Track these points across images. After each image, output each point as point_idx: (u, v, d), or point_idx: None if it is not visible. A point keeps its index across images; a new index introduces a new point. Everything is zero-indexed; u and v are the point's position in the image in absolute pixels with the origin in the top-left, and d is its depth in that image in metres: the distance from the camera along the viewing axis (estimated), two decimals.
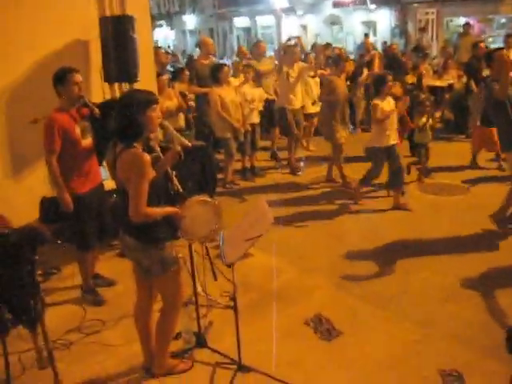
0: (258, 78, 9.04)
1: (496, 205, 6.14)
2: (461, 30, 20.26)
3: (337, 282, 5.18)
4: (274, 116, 9.17)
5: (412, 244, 6.00)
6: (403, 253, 5.77)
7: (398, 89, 7.01)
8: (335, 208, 7.22)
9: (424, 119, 7.71)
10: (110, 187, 5.36)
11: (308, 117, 9.58)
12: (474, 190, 7.59)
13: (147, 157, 3.21)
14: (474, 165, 8.62)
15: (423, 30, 18.56)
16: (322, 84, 8.99)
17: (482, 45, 11.07)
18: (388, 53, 12.61)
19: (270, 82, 9.25)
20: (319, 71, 9.82)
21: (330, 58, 10.67)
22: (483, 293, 4.83)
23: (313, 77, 9.65)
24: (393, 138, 6.78)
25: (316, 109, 9.21)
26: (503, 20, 19.29)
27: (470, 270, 5.23)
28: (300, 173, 8.84)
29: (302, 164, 9.21)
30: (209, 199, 3.74)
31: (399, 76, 9.32)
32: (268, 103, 9.18)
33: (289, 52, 8.60)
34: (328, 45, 13.86)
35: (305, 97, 9.27)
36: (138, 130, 3.25)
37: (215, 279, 4.66)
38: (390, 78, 6.83)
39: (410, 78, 10.41)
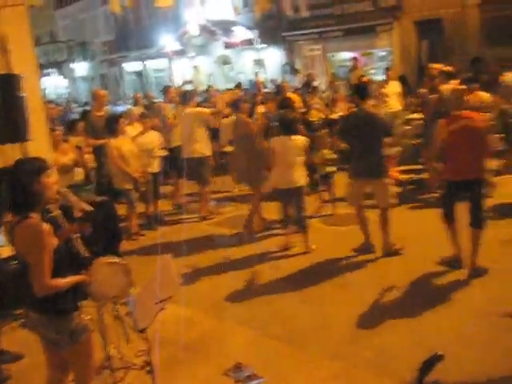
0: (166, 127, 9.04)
1: (396, 230, 6.49)
2: (345, 63, 21.51)
3: (253, 327, 5.18)
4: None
5: (321, 278, 6.14)
6: (314, 287, 5.91)
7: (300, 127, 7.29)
8: (244, 252, 7.21)
9: (326, 152, 8.06)
10: (7, 254, 5.08)
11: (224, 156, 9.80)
12: (373, 218, 7.90)
13: (46, 227, 3.10)
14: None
15: (296, 71, 19.38)
16: None
17: (365, 78, 11.80)
18: (279, 90, 12.99)
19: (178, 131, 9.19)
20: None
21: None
22: (396, 320, 5.00)
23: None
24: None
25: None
26: (383, 53, 20.60)
27: (379, 298, 5.44)
28: (213, 216, 8.85)
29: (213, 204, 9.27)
30: (116, 259, 3.66)
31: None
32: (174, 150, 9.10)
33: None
34: (239, 85, 14.32)
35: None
36: (33, 200, 3.14)
37: (128, 341, 4.52)
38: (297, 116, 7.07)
39: (316, 115, 10.65)
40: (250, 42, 23.11)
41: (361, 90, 6.59)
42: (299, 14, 19.25)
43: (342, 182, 8.69)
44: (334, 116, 11.75)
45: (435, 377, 2.43)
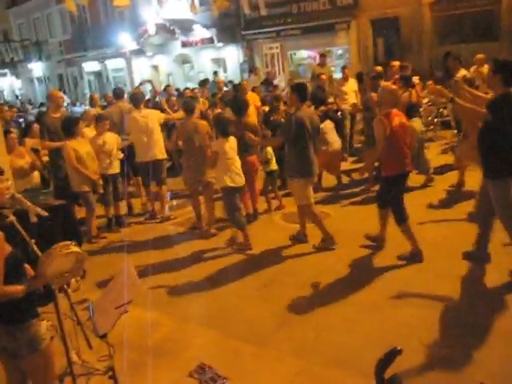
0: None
1: (354, 225, 6.57)
2: (304, 61, 21.67)
3: (215, 327, 5.18)
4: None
5: (282, 276, 6.15)
6: (271, 286, 5.93)
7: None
8: (203, 252, 7.17)
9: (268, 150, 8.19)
10: None
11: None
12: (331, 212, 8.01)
13: None
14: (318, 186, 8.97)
15: (255, 70, 19.44)
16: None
17: (323, 76, 11.89)
18: (237, 89, 12.96)
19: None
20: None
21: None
22: (355, 316, 5.06)
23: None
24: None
25: None
26: (340, 51, 20.86)
27: (338, 295, 5.49)
28: (174, 216, 8.78)
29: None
30: (60, 245, 3.51)
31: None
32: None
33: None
34: (203, 83, 14.25)
35: None
36: None
37: (90, 347, 4.45)
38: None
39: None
40: (209, 41, 23.05)
41: (301, 92, 6.51)
42: (257, 12, 19.30)
43: None
44: None
45: (393, 371, 2.47)
